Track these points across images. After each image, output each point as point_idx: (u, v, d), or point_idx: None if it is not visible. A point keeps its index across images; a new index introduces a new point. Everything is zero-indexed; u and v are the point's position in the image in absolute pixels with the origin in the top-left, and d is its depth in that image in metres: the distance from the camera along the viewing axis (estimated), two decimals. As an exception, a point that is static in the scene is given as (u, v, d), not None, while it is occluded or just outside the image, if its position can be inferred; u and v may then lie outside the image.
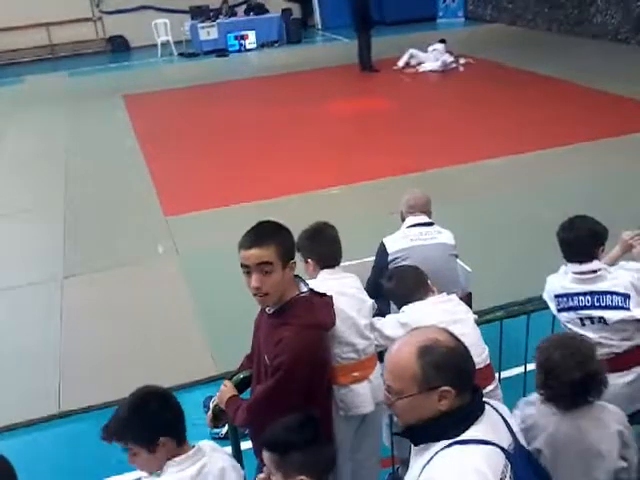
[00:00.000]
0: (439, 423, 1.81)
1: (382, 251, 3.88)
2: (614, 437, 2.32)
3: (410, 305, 3.01)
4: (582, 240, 3.07)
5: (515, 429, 1.94)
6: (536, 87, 11.19)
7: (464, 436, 1.78)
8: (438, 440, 1.80)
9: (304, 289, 2.57)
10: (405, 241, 3.82)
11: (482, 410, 1.87)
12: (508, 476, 1.76)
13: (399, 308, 3.13)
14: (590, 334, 3.01)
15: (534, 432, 2.36)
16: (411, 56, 13.67)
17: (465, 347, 1.88)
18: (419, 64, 13.48)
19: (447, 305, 2.99)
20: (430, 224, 3.95)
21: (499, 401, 2.77)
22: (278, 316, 2.49)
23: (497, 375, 3.12)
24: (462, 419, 1.81)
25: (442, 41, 13.57)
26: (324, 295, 2.63)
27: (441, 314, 2.88)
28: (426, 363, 1.79)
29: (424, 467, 1.79)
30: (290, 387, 2.41)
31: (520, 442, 1.93)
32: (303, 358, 2.42)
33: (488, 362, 2.97)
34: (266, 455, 2.12)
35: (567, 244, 3.11)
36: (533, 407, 2.43)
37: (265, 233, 2.44)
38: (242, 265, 2.43)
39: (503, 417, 1.93)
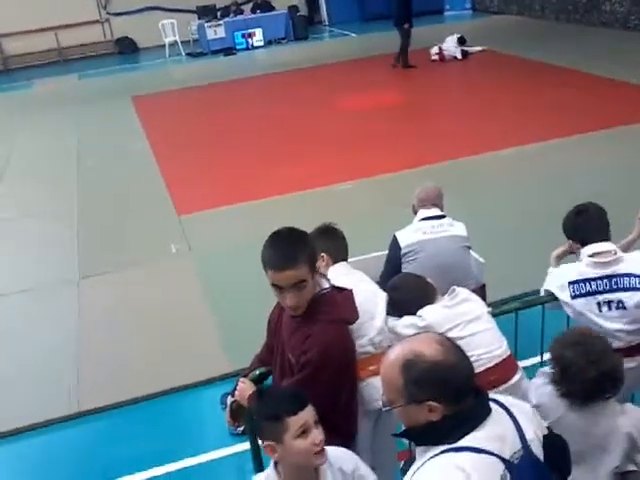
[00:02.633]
0: (435, 428, 1.81)
1: (394, 245, 3.87)
2: (623, 437, 2.31)
3: (426, 309, 2.99)
4: (597, 219, 3.14)
5: (529, 436, 1.86)
6: (545, 77, 11.12)
7: (459, 443, 1.77)
8: (435, 444, 1.80)
9: (326, 285, 2.57)
10: (417, 234, 3.81)
11: (485, 415, 1.83)
12: None
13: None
14: (606, 323, 2.99)
15: (543, 412, 2.34)
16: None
17: (456, 357, 1.83)
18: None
19: (461, 307, 2.96)
20: (442, 217, 3.94)
21: (523, 393, 2.78)
22: (303, 314, 2.48)
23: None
24: (458, 426, 1.80)
25: (461, 40, 13.47)
26: (344, 290, 2.63)
27: (457, 316, 2.87)
28: (408, 379, 1.81)
29: (415, 471, 1.81)
30: (318, 382, 2.40)
31: (531, 451, 1.85)
32: (331, 353, 2.42)
33: (508, 353, 2.94)
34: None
35: (580, 226, 3.14)
36: (547, 387, 2.44)
37: (294, 249, 2.36)
38: (274, 285, 2.38)
39: (517, 422, 1.87)
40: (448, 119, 9.66)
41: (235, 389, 2.80)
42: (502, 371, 2.82)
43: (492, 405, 1.89)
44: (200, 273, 5.97)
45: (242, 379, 2.79)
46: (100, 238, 7.04)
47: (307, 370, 2.41)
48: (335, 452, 2.25)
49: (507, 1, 18.44)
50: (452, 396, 1.80)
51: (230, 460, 3.82)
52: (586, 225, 3.14)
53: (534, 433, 1.89)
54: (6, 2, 17.63)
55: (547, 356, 3.34)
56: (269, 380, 2.83)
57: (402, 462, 3.04)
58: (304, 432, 2.10)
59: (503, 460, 1.77)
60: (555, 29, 15.54)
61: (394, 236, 3.90)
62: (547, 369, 2.51)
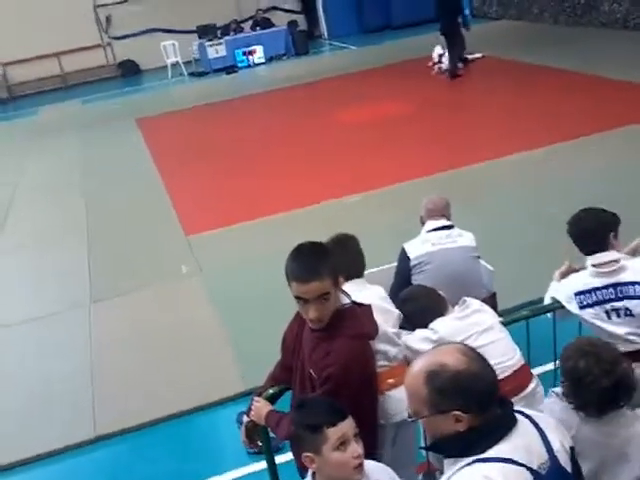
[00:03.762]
0: (462, 439, 1.82)
1: (403, 256, 3.88)
2: None
3: (438, 321, 2.99)
4: (591, 231, 3.09)
5: (555, 447, 1.87)
6: (546, 80, 11.12)
7: (487, 454, 1.79)
8: (463, 456, 1.81)
9: (346, 300, 2.58)
10: (426, 246, 3.81)
11: (512, 425, 1.84)
12: None
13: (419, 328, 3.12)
14: (617, 329, 3.00)
15: None
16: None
17: (479, 366, 1.85)
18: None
19: (473, 317, 2.97)
20: (450, 227, 3.94)
21: (539, 400, 2.78)
22: (324, 329, 2.49)
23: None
24: (485, 436, 1.81)
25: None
26: (363, 305, 2.65)
27: (469, 327, 2.88)
28: (432, 389, 1.83)
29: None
30: (340, 397, 2.38)
31: (558, 461, 1.86)
32: (353, 368, 2.43)
33: (522, 363, 2.94)
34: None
35: (577, 238, 3.13)
36: (559, 404, 2.42)
37: (318, 262, 2.40)
38: (297, 297, 2.41)
39: (542, 432, 1.88)
40: (451, 128, 9.67)
41: (250, 408, 2.82)
42: (517, 380, 2.82)
43: (518, 416, 1.90)
44: (211, 293, 5.99)
45: (256, 398, 2.80)
46: (110, 261, 7.08)
47: (328, 385, 2.42)
48: (370, 465, 2.25)
49: (506, 6, 18.49)
50: (476, 405, 1.81)
51: (249, 479, 3.82)
52: (581, 237, 3.12)
53: (560, 444, 1.89)
54: (8, 31, 17.84)
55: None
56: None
57: (420, 475, 3.03)
58: (342, 444, 2.09)
59: (531, 470, 1.78)
60: (554, 32, 15.55)
61: (402, 248, 3.90)
62: (558, 389, 2.49)
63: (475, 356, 1.88)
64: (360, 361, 2.48)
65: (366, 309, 2.64)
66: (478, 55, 13.64)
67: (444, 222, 3.94)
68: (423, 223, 4.01)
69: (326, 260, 2.43)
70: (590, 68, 11.21)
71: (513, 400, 2.57)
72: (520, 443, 1.81)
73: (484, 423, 1.81)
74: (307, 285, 2.36)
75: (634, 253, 3.28)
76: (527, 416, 1.92)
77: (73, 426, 4.50)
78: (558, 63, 11.94)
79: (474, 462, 1.78)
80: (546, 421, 1.95)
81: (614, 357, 2.35)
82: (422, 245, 3.83)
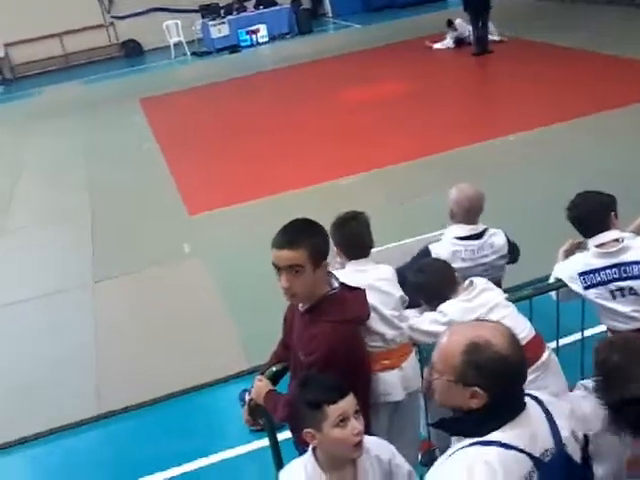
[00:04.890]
0: (469, 419, 1.83)
1: (426, 256, 3.59)
2: None
3: (446, 304, 2.98)
4: (590, 213, 3.09)
5: (564, 434, 1.84)
6: (553, 59, 11.01)
7: (489, 437, 1.78)
8: (467, 436, 1.82)
9: (335, 285, 2.57)
10: (456, 260, 3.51)
11: (519, 411, 1.83)
12: None
13: (427, 303, 3.10)
14: (622, 307, 2.99)
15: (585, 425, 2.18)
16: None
17: (520, 356, 1.84)
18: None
19: (480, 297, 2.95)
20: (482, 234, 3.65)
21: (554, 370, 2.78)
22: (311, 313, 2.51)
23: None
24: (490, 419, 1.80)
25: (449, 23, 13.35)
26: (356, 289, 2.63)
27: (477, 308, 2.87)
28: (469, 361, 1.80)
29: (443, 461, 1.83)
30: None
31: (565, 449, 1.84)
32: (336, 354, 2.42)
33: (534, 333, 2.94)
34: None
35: (577, 221, 3.13)
36: (587, 398, 2.29)
37: (298, 234, 2.43)
38: (273, 264, 2.43)
39: (552, 419, 1.86)
40: (455, 108, 9.61)
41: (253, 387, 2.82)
42: (531, 351, 2.80)
43: (529, 401, 1.89)
44: (214, 272, 5.99)
45: (259, 377, 2.81)
46: (113, 241, 7.09)
47: (312, 371, 2.42)
48: (372, 441, 2.27)
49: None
50: (503, 390, 1.80)
51: (251, 457, 3.84)
52: (581, 220, 3.12)
53: (570, 432, 1.87)
54: (10, 11, 17.70)
55: (563, 342, 3.36)
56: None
57: (420, 453, 3.04)
58: (343, 421, 2.10)
59: (532, 457, 1.77)
60: (560, 9, 15.38)
61: (427, 247, 3.65)
62: (587, 382, 2.39)
63: (518, 346, 1.85)
64: (345, 346, 2.46)
65: (358, 293, 2.63)
66: (496, 38, 12.99)
67: (476, 228, 3.65)
68: (452, 217, 3.72)
69: (307, 235, 2.43)
70: (599, 46, 11.10)
71: (530, 370, 2.55)
72: (525, 429, 1.80)
73: (492, 406, 1.80)
74: (279, 251, 2.39)
75: (637, 232, 3.26)
76: (539, 402, 1.90)
77: (76, 404, 4.53)
78: (565, 41, 11.81)
79: (474, 444, 1.79)
80: (559, 408, 1.93)
81: None
82: (451, 257, 3.54)
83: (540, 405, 1.89)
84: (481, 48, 12.17)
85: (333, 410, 2.09)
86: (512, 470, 1.73)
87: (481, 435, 1.79)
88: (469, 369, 1.80)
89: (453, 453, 1.81)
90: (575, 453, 1.87)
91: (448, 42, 13.25)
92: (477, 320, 2.04)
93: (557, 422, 1.86)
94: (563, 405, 1.98)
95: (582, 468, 1.90)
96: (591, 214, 3.09)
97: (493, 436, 1.78)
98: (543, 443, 1.81)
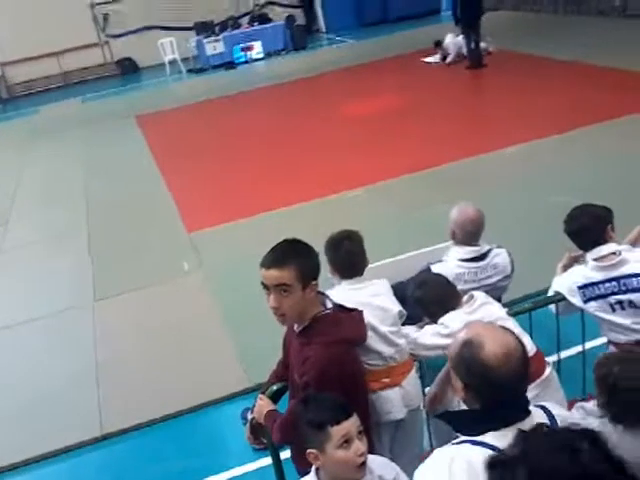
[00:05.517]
0: (467, 415, 1.90)
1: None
2: None
3: (447, 316, 2.99)
4: (587, 227, 3.10)
5: None
6: (546, 70, 11.09)
7: (480, 438, 1.81)
8: (464, 433, 1.87)
9: (329, 305, 2.58)
10: (457, 282, 3.49)
11: (518, 418, 1.84)
12: None
13: (429, 317, 3.10)
14: (622, 320, 3.00)
15: None
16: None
17: (511, 372, 1.84)
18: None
19: (480, 311, 2.96)
20: (485, 255, 3.66)
21: (554, 387, 2.80)
22: (304, 335, 2.51)
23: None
24: (485, 420, 1.83)
25: (437, 44, 13.45)
26: (352, 310, 2.63)
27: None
28: (460, 354, 1.91)
29: (436, 452, 1.90)
30: None
31: None
32: (329, 375, 2.41)
33: (535, 349, 2.94)
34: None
35: (575, 235, 3.15)
36: (589, 419, 2.27)
37: (286, 254, 2.44)
38: (262, 283, 2.45)
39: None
40: (450, 122, 9.64)
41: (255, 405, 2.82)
42: (533, 366, 2.80)
43: (536, 411, 1.90)
44: (214, 289, 5.99)
45: (260, 396, 2.81)
46: (112, 259, 7.08)
47: (308, 392, 2.41)
48: (376, 460, 2.26)
49: (503, -4, 18.43)
50: (488, 394, 1.86)
51: (254, 475, 3.83)
52: (579, 234, 3.13)
53: None
54: (5, 31, 17.81)
55: (564, 354, 3.36)
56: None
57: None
58: (347, 442, 2.09)
59: None
60: (552, 22, 15.52)
61: (429, 270, 3.63)
62: (584, 403, 2.40)
63: (511, 362, 1.85)
64: (338, 367, 2.45)
65: (353, 314, 2.62)
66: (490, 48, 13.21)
67: (479, 250, 3.66)
68: (454, 238, 3.73)
69: (295, 255, 2.45)
70: (592, 57, 11.17)
71: (531, 386, 2.56)
72: None
73: (486, 407, 1.84)
74: (267, 271, 2.42)
75: (634, 243, 3.28)
76: (548, 413, 1.92)
77: (79, 425, 4.51)
78: (557, 54, 11.90)
79: (464, 442, 1.83)
80: (570, 420, 1.94)
81: None
82: (453, 279, 3.46)
83: (549, 417, 1.91)
84: (476, 62, 12.24)
85: (337, 431, 2.08)
86: None
87: (476, 434, 1.82)
88: (459, 362, 1.90)
89: (444, 448, 1.87)
90: None
91: (437, 57, 13.38)
92: (499, 323, 2.20)
93: None
94: (575, 419, 2.00)
95: None
96: (588, 227, 3.11)
97: (485, 437, 1.81)
98: None
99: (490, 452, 1.75)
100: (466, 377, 1.87)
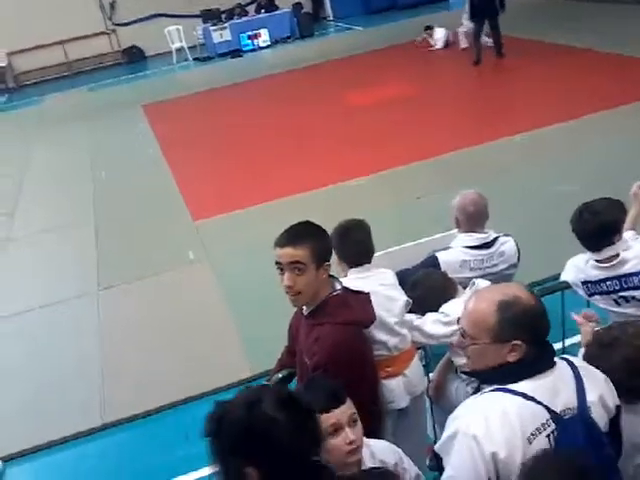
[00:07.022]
0: (503, 370, 1.91)
1: (433, 265, 3.56)
2: None
3: (449, 304, 2.97)
4: (591, 233, 3.03)
5: (590, 398, 1.89)
6: (559, 58, 10.97)
7: (511, 386, 1.87)
8: (497, 384, 1.91)
9: (338, 287, 2.58)
10: (464, 270, 3.48)
11: (546, 367, 1.91)
12: (545, 435, 1.82)
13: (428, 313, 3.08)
14: (628, 311, 3.03)
15: None
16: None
17: (543, 307, 1.95)
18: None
19: None
20: (493, 242, 3.61)
21: None
22: (314, 316, 2.52)
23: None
24: (518, 371, 1.89)
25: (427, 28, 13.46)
26: (360, 292, 2.64)
27: None
28: (504, 318, 1.90)
29: (468, 403, 1.96)
30: None
31: (588, 412, 1.88)
32: (339, 355, 2.42)
33: None
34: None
35: (579, 237, 3.10)
36: None
37: (301, 233, 2.47)
38: (276, 262, 2.46)
39: (580, 382, 1.92)
40: (460, 109, 9.59)
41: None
42: None
43: (560, 362, 1.97)
44: (219, 278, 5.98)
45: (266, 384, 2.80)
46: (117, 248, 7.09)
47: (317, 373, 2.41)
48: (378, 445, 2.25)
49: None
50: (537, 339, 1.91)
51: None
52: (586, 239, 3.09)
53: (599, 397, 1.93)
54: (12, 20, 17.80)
55: (569, 342, 3.35)
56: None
57: (428, 457, 3.02)
58: (336, 430, 2.08)
59: (549, 411, 1.84)
60: (566, 8, 15.33)
61: (435, 256, 3.60)
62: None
63: (538, 298, 1.97)
64: (348, 347, 2.46)
65: (362, 297, 2.63)
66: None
67: (484, 236, 3.61)
68: (458, 226, 3.70)
69: (310, 235, 2.47)
70: (606, 45, 11.05)
71: None
72: (548, 383, 1.87)
73: (527, 356, 1.89)
74: (281, 249, 2.44)
75: (634, 226, 3.28)
76: (571, 364, 1.97)
77: (82, 413, 4.52)
78: (570, 41, 11.77)
79: (497, 390, 1.88)
80: (592, 373, 1.99)
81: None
82: (459, 267, 3.51)
83: (572, 367, 1.96)
84: (497, 51, 11.88)
85: (325, 419, 2.06)
86: (526, 420, 1.81)
87: (504, 383, 1.88)
88: (506, 325, 1.89)
89: (478, 397, 1.93)
90: (601, 420, 1.92)
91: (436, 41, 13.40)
92: (495, 285, 2.28)
93: (585, 385, 1.92)
94: (598, 373, 2.02)
95: (606, 437, 1.92)
96: (595, 235, 3.04)
97: (516, 386, 1.87)
98: (565, 401, 1.87)
99: (522, 400, 1.83)
100: (518, 333, 1.88)
